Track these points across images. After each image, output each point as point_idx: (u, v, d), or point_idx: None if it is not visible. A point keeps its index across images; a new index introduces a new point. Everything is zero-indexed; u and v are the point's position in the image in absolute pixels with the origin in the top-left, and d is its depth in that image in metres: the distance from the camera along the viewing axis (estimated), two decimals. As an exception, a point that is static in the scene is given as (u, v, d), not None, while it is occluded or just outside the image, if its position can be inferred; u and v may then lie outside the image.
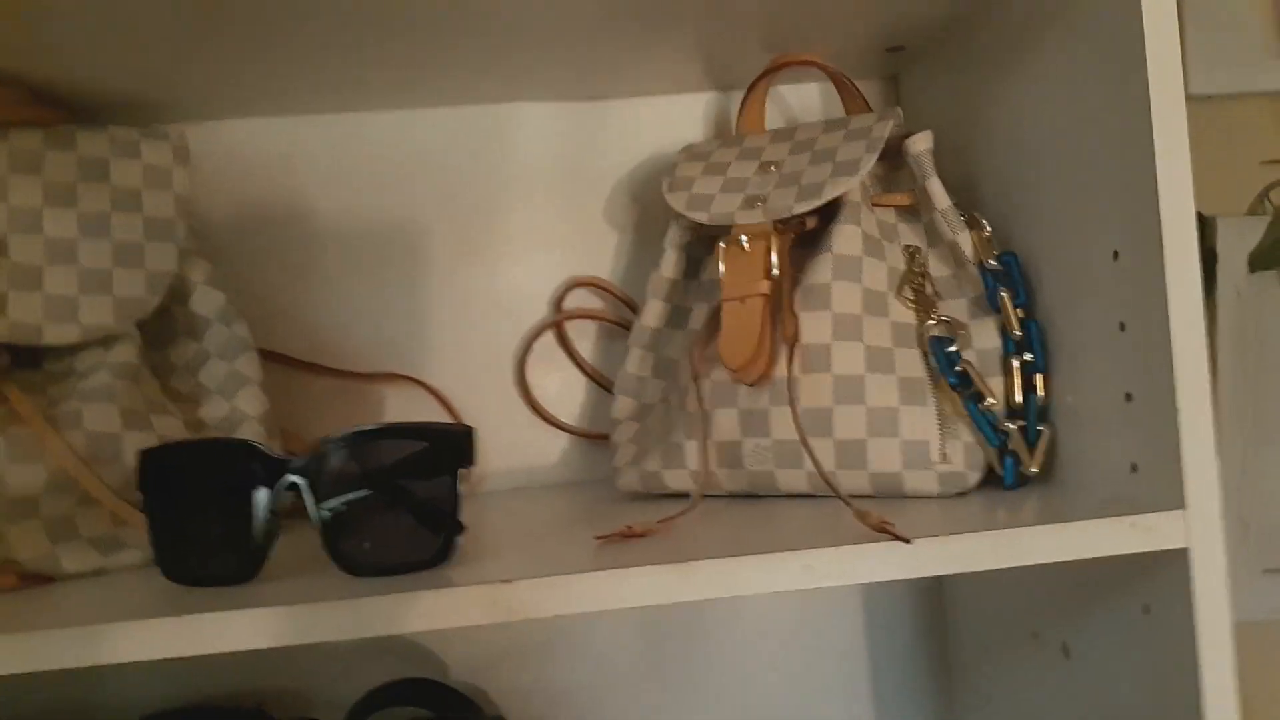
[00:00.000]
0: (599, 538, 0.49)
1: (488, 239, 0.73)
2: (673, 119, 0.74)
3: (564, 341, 0.73)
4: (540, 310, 0.73)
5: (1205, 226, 0.76)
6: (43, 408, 0.52)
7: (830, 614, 0.76)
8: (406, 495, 0.46)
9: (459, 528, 0.46)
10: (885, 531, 0.44)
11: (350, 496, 0.45)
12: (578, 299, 0.73)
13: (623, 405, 0.66)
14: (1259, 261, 0.76)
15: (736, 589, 0.43)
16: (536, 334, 0.72)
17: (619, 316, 0.73)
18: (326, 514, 0.45)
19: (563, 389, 0.73)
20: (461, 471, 0.46)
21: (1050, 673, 0.60)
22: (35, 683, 0.69)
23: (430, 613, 0.42)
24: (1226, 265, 0.76)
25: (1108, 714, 0.54)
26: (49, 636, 0.40)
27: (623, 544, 0.48)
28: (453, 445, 0.46)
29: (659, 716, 0.74)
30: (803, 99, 0.74)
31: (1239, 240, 0.76)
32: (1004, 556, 0.44)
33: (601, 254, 0.74)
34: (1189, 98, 0.54)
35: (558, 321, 0.72)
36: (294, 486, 0.45)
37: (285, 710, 0.69)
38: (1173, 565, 0.46)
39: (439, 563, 0.46)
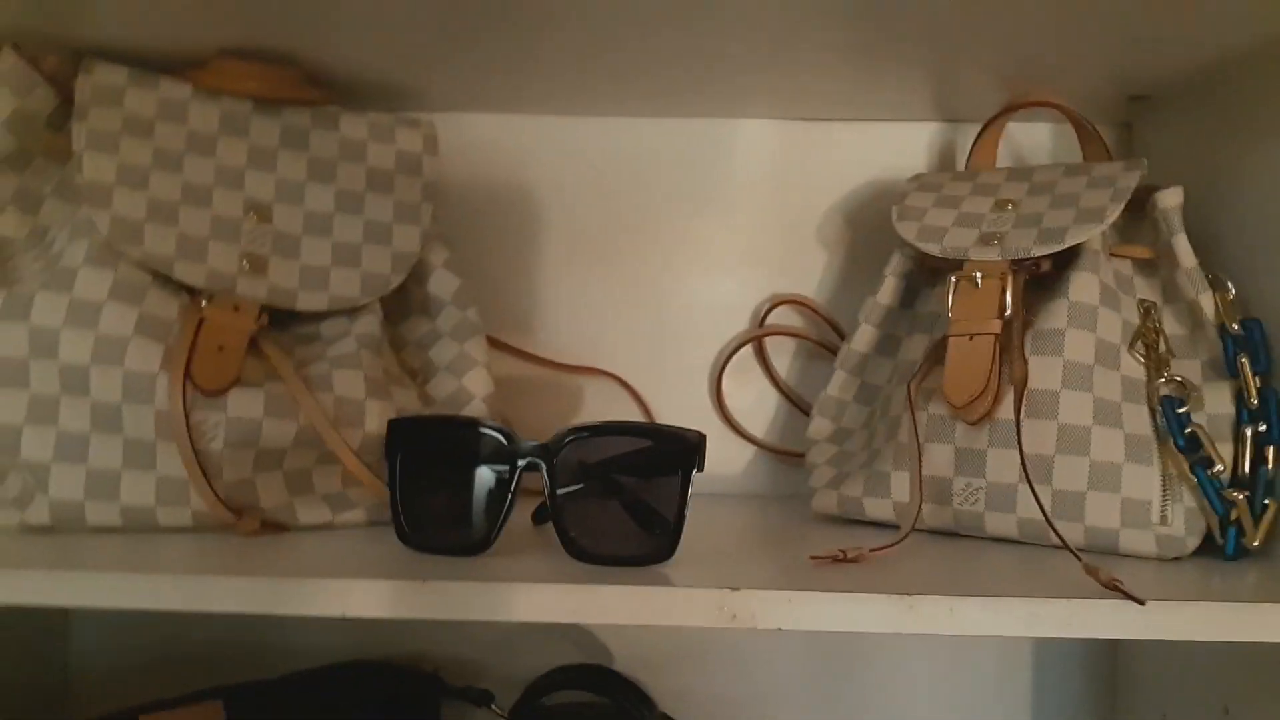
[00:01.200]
0: (813, 558, 0.49)
1: (699, 249, 0.74)
2: (893, 146, 0.74)
3: (763, 357, 0.74)
4: (742, 324, 0.74)
5: None
6: (295, 368, 0.56)
7: (998, 661, 0.74)
8: (638, 491, 0.48)
9: (682, 529, 0.47)
10: (1116, 589, 0.43)
11: (585, 486, 0.47)
12: (780, 316, 0.74)
13: (820, 427, 0.66)
14: None
15: (960, 629, 0.43)
16: (738, 346, 0.73)
17: (820, 338, 0.73)
18: (562, 500, 0.47)
19: (756, 403, 0.74)
20: (692, 475, 0.47)
21: (1245, 754, 0.57)
22: (220, 622, 0.74)
23: (659, 610, 0.43)
24: None
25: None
26: (310, 586, 0.43)
27: (834, 566, 0.49)
28: (686, 449, 0.47)
29: (797, 681, 0.74)
30: (1032, 138, 0.73)
31: None
32: (1240, 631, 0.43)
33: (808, 274, 0.74)
34: None
35: (759, 336, 0.73)
36: (535, 469, 0.47)
37: (458, 678, 0.72)
38: None
39: (660, 560, 0.47)
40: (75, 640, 0.74)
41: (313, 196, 0.60)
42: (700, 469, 0.48)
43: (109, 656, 0.74)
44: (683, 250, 0.74)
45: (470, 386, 0.61)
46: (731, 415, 0.74)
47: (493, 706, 0.68)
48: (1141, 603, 0.42)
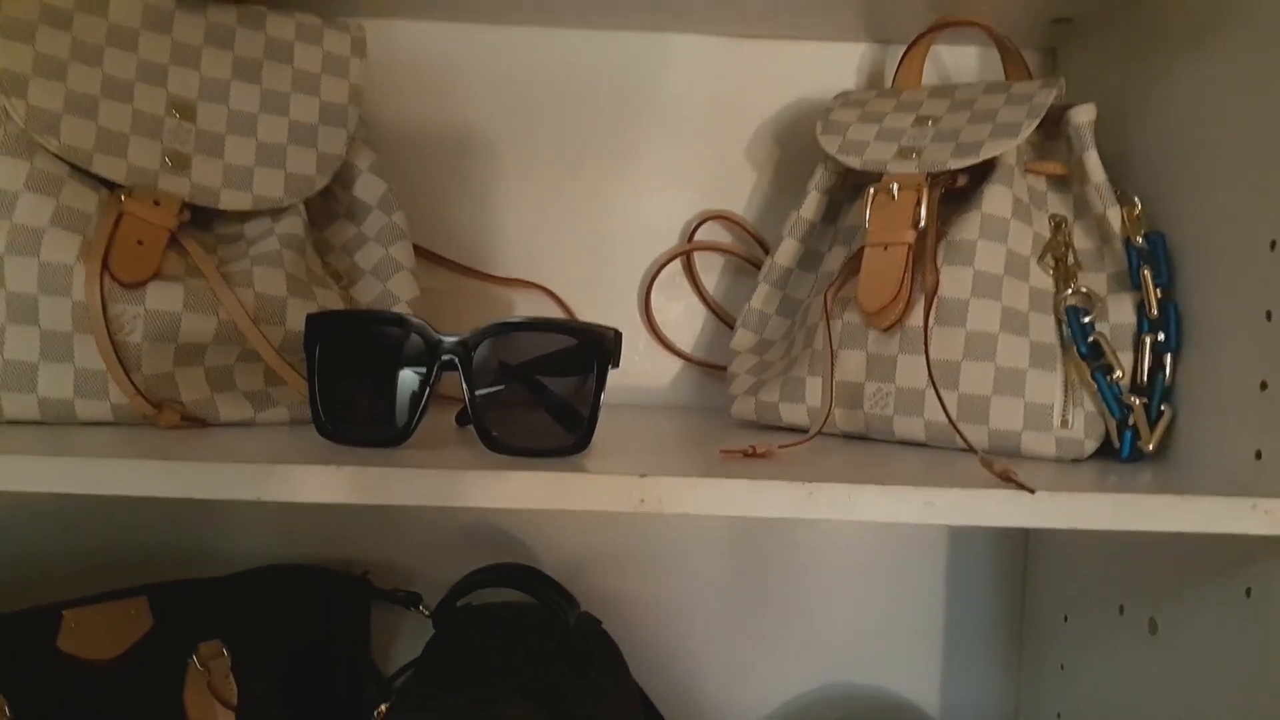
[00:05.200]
0: (723, 451, 0.51)
1: (630, 164, 0.75)
2: (823, 66, 0.75)
3: (691, 272, 0.75)
4: (671, 239, 0.75)
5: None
6: (216, 265, 0.55)
7: (912, 557, 0.77)
8: (554, 386, 0.49)
9: (596, 421, 0.48)
10: (1009, 480, 0.45)
11: (503, 380, 0.48)
12: (708, 232, 0.75)
13: (743, 338, 0.67)
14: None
15: (858, 514, 0.45)
16: (666, 261, 0.74)
17: (747, 253, 0.74)
18: (478, 392, 0.47)
19: (684, 318, 0.76)
20: (607, 370, 0.48)
21: (1134, 648, 0.61)
22: (148, 525, 0.74)
23: (570, 494, 0.44)
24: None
25: (1193, 692, 0.55)
26: (226, 470, 0.44)
27: (743, 461, 0.50)
28: (601, 345, 0.48)
29: (734, 631, 0.77)
30: (958, 61, 0.74)
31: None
32: (1125, 520, 0.45)
33: (737, 191, 0.75)
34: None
35: (687, 251, 0.74)
36: (452, 364, 0.48)
37: (387, 583, 0.73)
38: (1286, 553, 0.47)
39: (576, 451, 0.48)
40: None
41: (237, 96, 0.60)
42: (615, 364, 0.49)
43: (26, 565, 0.74)
44: (614, 165, 0.75)
45: (395, 290, 0.61)
46: (660, 329, 0.75)
47: (420, 608, 0.69)
48: (1032, 491, 0.44)
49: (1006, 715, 0.78)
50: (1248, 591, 0.50)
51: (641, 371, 0.75)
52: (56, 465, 0.43)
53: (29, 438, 0.48)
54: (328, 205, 0.64)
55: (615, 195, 0.75)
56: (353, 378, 0.50)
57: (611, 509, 0.45)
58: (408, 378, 0.49)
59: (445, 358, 0.48)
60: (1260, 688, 0.49)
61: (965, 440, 0.49)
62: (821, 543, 0.77)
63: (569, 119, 0.74)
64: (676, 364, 0.75)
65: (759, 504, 0.45)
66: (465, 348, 0.48)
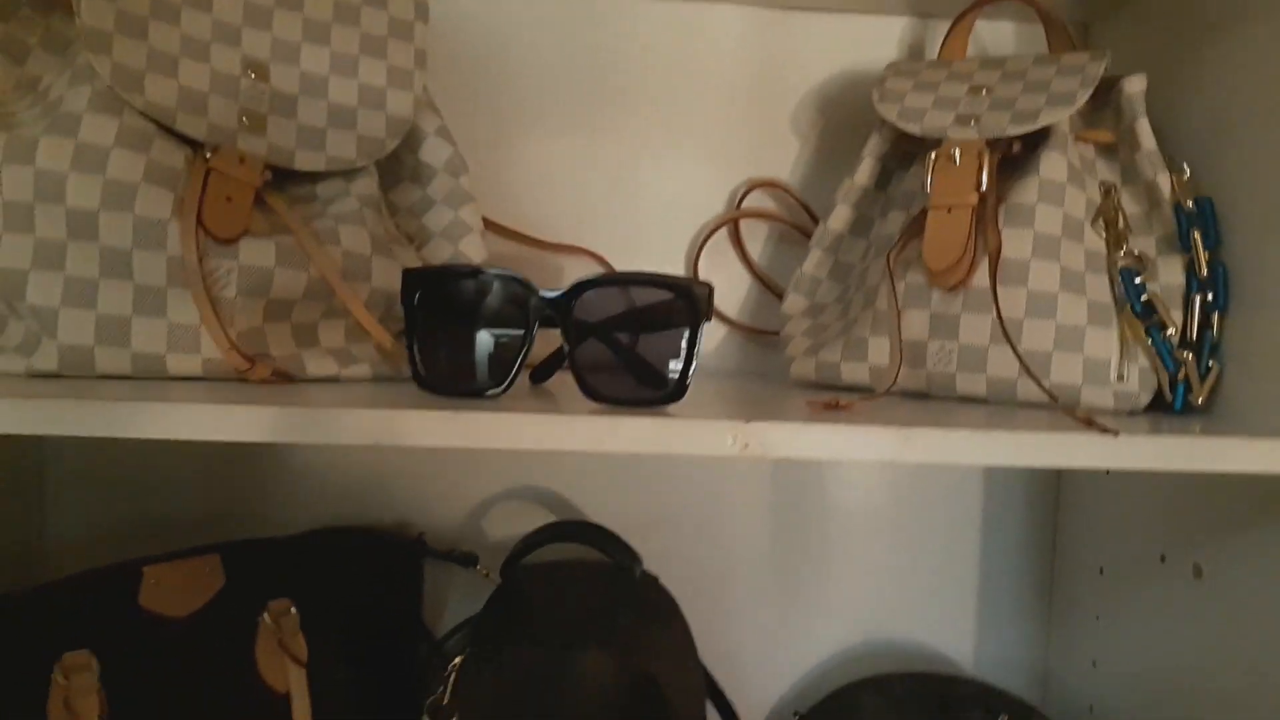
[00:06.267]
0: (809, 403, 0.52)
1: (675, 134, 0.76)
2: (865, 38, 0.77)
3: (738, 239, 0.76)
4: (717, 208, 0.77)
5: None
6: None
7: (945, 517, 0.80)
8: (649, 338, 0.50)
9: (691, 373, 0.50)
10: (1092, 424, 0.47)
11: (600, 332, 0.49)
12: (754, 201, 0.77)
13: (795, 302, 0.69)
14: None
15: (952, 457, 0.47)
16: (716, 227, 0.76)
17: (795, 221, 0.76)
18: (577, 344, 0.49)
19: (728, 285, 0.77)
20: (700, 323, 0.50)
21: (1177, 596, 0.64)
22: (213, 488, 0.75)
23: (676, 438, 0.46)
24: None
25: (1239, 633, 0.58)
26: (344, 415, 0.44)
27: (828, 412, 0.52)
28: (695, 298, 0.50)
29: (774, 589, 0.79)
30: (997, 37, 0.76)
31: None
32: (1201, 460, 0.47)
33: (781, 160, 0.77)
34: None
35: (736, 218, 0.76)
36: (550, 318, 0.49)
37: (440, 545, 0.74)
38: (1342, 494, 0.50)
39: (671, 401, 0.50)
40: (51, 515, 0.74)
41: (308, 57, 0.60)
42: (709, 318, 0.50)
43: (100, 525, 0.74)
44: (661, 135, 0.76)
45: (466, 251, 0.62)
46: (705, 296, 0.77)
47: (477, 568, 0.71)
48: (1115, 434, 0.47)
49: (1038, 666, 0.81)
50: (1300, 533, 0.53)
51: (688, 337, 0.77)
52: (176, 411, 0.44)
53: (128, 389, 0.49)
54: (393, 169, 0.65)
55: (662, 164, 0.76)
56: (451, 331, 0.51)
57: (714, 454, 0.46)
58: (506, 331, 0.50)
59: (545, 312, 0.49)
60: (1312, 624, 0.52)
61: (1042, 385, 0.51)
62: (857, 504, 0.79)
63: (617, 89, 0.76)
64: (721, 331, 0.77)
65: (858, 448, 0.47)
66: (564, 302, 0.49)
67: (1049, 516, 0.81)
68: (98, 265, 0.52)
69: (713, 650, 0.80)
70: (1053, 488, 0.81)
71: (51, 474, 0.74)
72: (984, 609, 0.81)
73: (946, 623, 0.81)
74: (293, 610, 0.64)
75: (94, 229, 0.51)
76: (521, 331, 0.50)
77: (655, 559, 0.79)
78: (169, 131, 0.54)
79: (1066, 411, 0.49)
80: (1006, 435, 0.47)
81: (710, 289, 0.50)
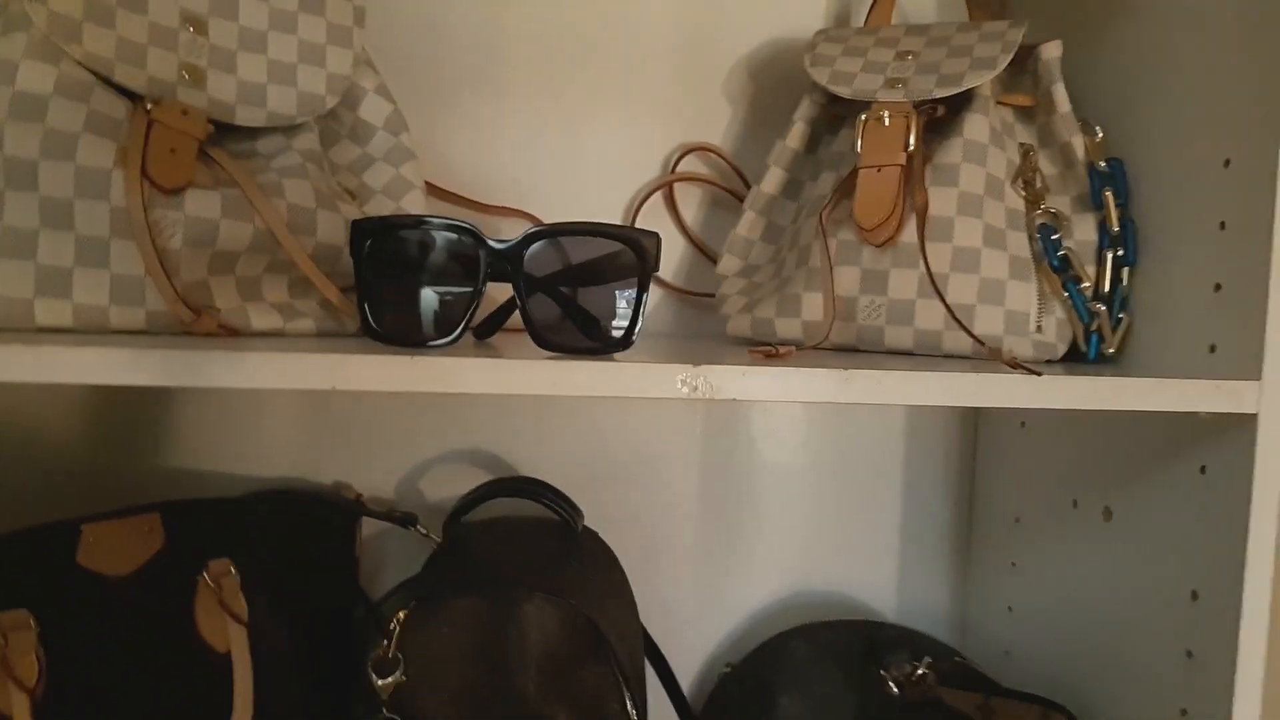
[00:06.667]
0: (751, 351, 0.55)
1: (609, 99, 0.77)
2: (795, 6, 0.79)
3: (672, 203, 0.78)
4: (651, 172, 0.78)
5: None
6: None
7: (867, 474, 0.84)
8: (599, 287, 0.51)
9: (640, 320, 0.51)
10: (1018, 366, 0.50)
11: (551, 281, 0.50)
12: (688, 165, 0.79)
13: (729, 263, 0.71)
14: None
15: (888, 398, 0.49)
16: (650, 192, 0.77)
17: (727, 185, 0.78)
18: (528, 294, 0.50)
19: (664, 249, 0.79)
20: (649, 272, 0.51)
21: (1088, 538, 0.68)
22: (141, 451, 0.74)
23: (627, 381, 0.47)
24: None
25: (1147, 570, 0.62)
26: (300, 359, 0.45)
27: (767, 359, 0.54)
28: (644, 248, 0.51)
29: (707, 545, 0.82)
30: (919, 4, 0.80)
31: None
32: (1115, 399, 0.51)
33: (714, 125, 0.79)
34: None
35: (669, 182, 0.77)
36: (503, 268, 0.50)
37: (378, 506, 0.75)
38: (1240, 429, 0.54)
39: (620, 348, 0.51)
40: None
41: (247, 13, 0.60)
42: (657, 268, 0.52)
43: (39, 481, 0.73)
44: (595, 100, 0.77)
45: (408, 208, 0.63)
46: (640, 259, 0.78)
47: (417, 527, 0.71)
48: (1039, 374, 0.50)
49: (957, 613, 0.85)
50: (1202, 469, 0.57)
51: (623, 299, 0.78)
52: (121, 355, 0.44)
53: (71, 340, 0.48)
54: (332, 127, 0.65)
55: (597, 129, 0.77)
56: (401, 282, 0.51)
57: (664, 396, 0.48)
58: (457, 282, 0.51)
59: (496, 262, 0.50)
60: (1213, 555, 0.56)
61: (970, 332, 0.54)
62: (784, 463, 0.82)
63: (552, 54, 0.76)
64: (656, 294, 0.79)
65: (801, 390, 0.49)
66: (515, 252, 0.50)
67: (967, 469, 0.85)
68: (37, 215, 0.51)
69: (646, 606, 0.82)
70: (970, 442, 0.85)
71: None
72: (905, 560, 0.85)
73: (870, 573, 0.84)
74: (232, 570, 0.64)
75: (33, 179, 0.50)
76: (471, 283, 0.51)
77: (589, 518, 0.80)
78: (107, 83, 0.54)
79: (993, 355, 0.52)
80: (939, 375, 0.50)
81: (658, 239, 0.52)
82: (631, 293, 0.51)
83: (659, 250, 0.52)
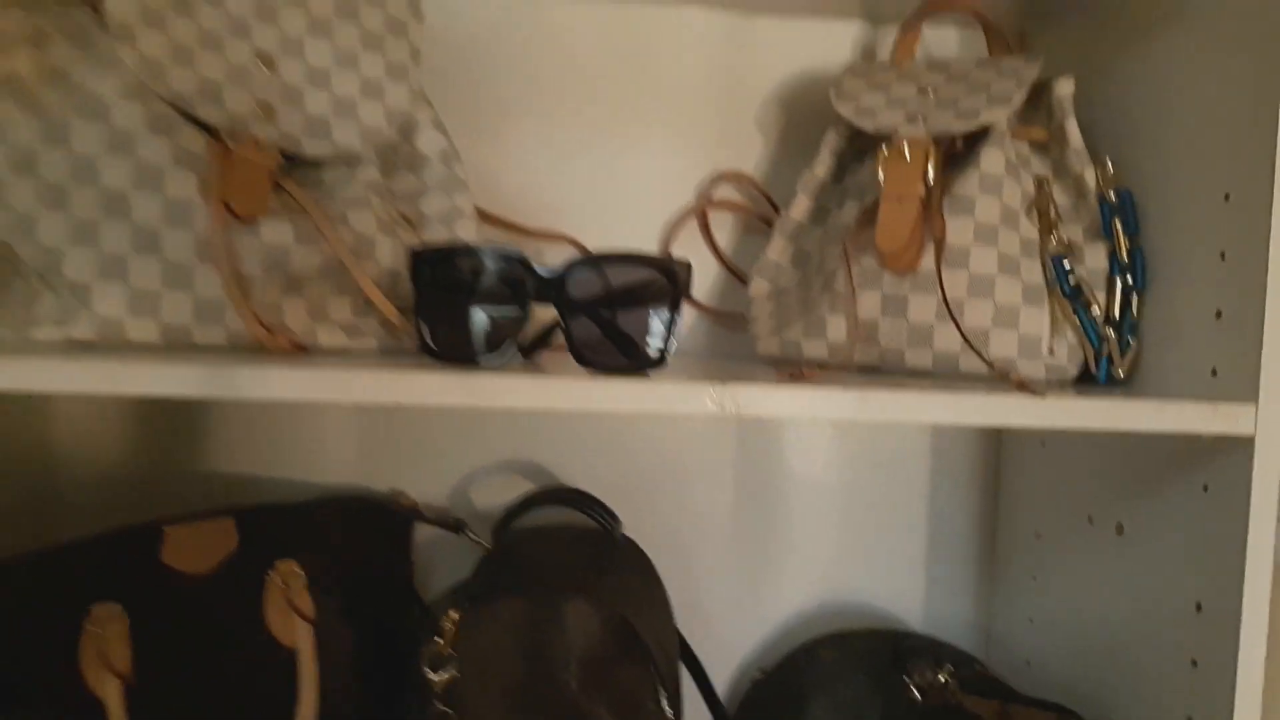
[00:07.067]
0: (777, 374, 0.59)
1: (645, 128, 0.82)
2: (823, 41, 0.83)
3: (706, 228, 0.82)
4: (686, 196, 0.83)
5: None
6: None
7: (894, 488, 0.87)
8: (635, 310, 0.56)
9: (673, 341, 0.56)
10: (1024, 387, 0.54)
11: (591, 305, 0.55)
12: (720, 192, 0.83)
13: (759, 286, 0.76)
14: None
15: (901, 416, 0.53)
16: (685, 216, 0.82)
17: (757, 210, 0.82)
18: (571, 316, 0.55)
19: (697, 272, 0.83)
20: (681, 296, 0.56)
21: (1103, 553, 0.71)
22: (215, 459, 0.79)
23: (658, 399, 0.52)
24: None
25: (1156, 584, 0.65)
26: (370, 375, 0.50)
27: (793, 381, 0.58)
28: (677, 275, 0.56)
29: (738, 556, 0.86)
30: (942, 41, 0.84)
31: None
32: (1118, 420, 0.54)
33: (746, 154, 0.83)
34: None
35: (703, 208, 0.82)
36: (547, 293, 0.54)
37: (430, 513, 0.79)
38: (1238, 450, 0.57)
39: (654, 367, 0.55)
40: (64, 474, 0.78)
41: (312, 51, 0.65)
42: (689, 294, 0.56)
43: (115, 486, 0.78)
44: (632, 129, 0.82)
45: (460, 234, 0.68)
46: (675, 280, 0.83)
47: (467, 533, 0.76)
48: (1043, 396, 0.54)
49: (981, 624, 0.89)
50: (1205, 487, 0.60)
51: (660, 318, 0.83)
52: (198, 371, 0.49)
53: (157, 358, 0.54)
54: (390, 157, 0.70)
55: (636, 158, 0.82)
56: (455, 304, 0.56)
57: (694, 412, 0.52)
58: (506, 304, 0.56)
59: (542, 288, 0.55)
60: (1215, 569, 0.59)
61: (980, 354, 0.58)
62: (815, 477, 0.86)
63: (592, 86, 0.81)
64: (689, 315, 0.83)
65: (820, 407, 0.53)
66: (559, 277, 0.54)
67: (990, 487, 0.88)
68: (130, 242, 0.56)
69: (681, 613, 0.86)
70: (993, 459, 0.88)
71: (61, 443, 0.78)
72: (931, 572, 0.88)
73: (897, 585, 0.88)
74: (299, 570, 0.69)
75: (126, 209, 0.56)
76: (519, 305, 0.55)
77: (628, 528, 0.84)
78: (187, 118, 0.59)
79: (1001, 377, 0.55)
80: (949, 396, 0.54)
81: (689, 266, 0.56)
82: (665, 315, 0.56)
83: (690, 276, 0.56)
